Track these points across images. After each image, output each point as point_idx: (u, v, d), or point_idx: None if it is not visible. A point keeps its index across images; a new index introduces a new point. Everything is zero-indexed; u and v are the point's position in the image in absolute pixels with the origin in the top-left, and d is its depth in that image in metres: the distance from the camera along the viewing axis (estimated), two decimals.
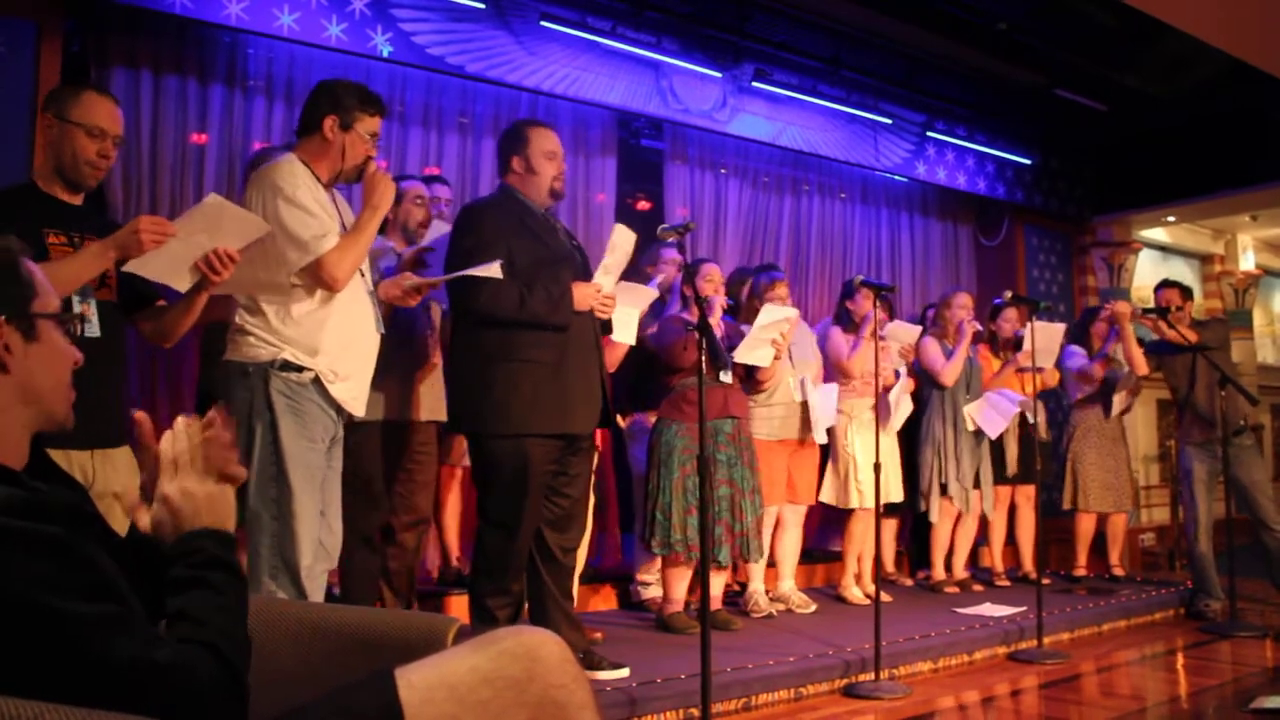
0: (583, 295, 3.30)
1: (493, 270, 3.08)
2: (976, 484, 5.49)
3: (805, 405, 4.86)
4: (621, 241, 3.42)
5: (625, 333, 3.91)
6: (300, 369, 2.69)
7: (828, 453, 5.19)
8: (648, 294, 3.99)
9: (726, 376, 4.29)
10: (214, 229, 2.47)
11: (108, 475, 2.50)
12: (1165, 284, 5.55)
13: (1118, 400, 5.87)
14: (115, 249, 2.39)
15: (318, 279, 2.69)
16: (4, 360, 1.27)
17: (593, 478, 4.28)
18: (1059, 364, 5.89)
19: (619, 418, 4.87)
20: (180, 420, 1.38)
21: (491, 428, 3.23)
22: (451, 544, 4.49)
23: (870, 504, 5.03)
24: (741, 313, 4.80)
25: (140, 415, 1.40)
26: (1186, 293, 5.46)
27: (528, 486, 3.23)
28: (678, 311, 4.52)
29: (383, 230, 3.86)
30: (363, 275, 2.90)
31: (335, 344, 2.75)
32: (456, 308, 3.36)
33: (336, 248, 2.70)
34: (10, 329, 1.28)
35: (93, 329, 2.46)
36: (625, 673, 3.41)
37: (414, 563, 3.85)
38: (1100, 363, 5.84)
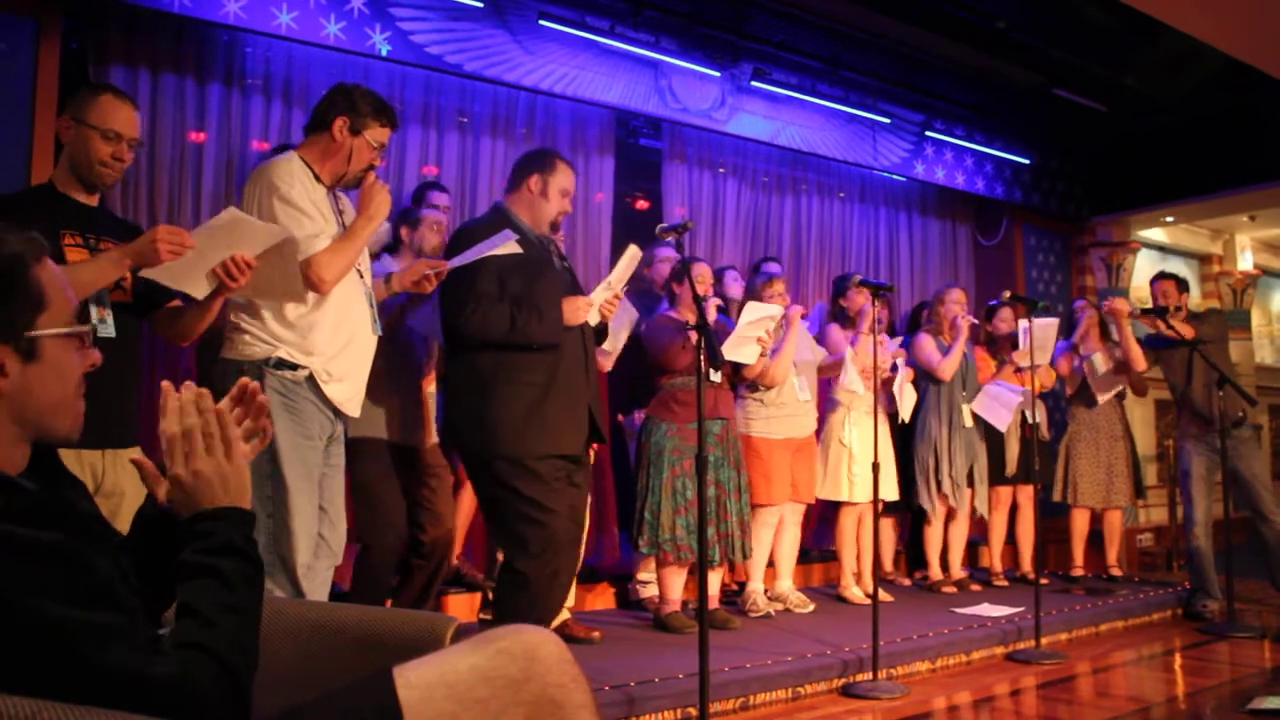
0: (573, 310, 3.30)
1: (509, 246, 3.10)
2: (970, 482, 5.49)
3: (810, 403, 4.91)
4: (631, 260, 3.45)
5: (610, 342, 3.96)
6: (295, 367, 2.70)
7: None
8: (629, 314, 4.06)
9: (716, 376, 4.30)
10: (232, 239, 2.49)
11: (118, 475, 2.51)
12: (1161, 276, 5.55)
13: (1100, 396, 5.88)
14: (132, 258, 2.41)
15: (305, 280, 2.68)
16: None
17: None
18: (1053, 362, 5.92)
19: (620, 415, 4.88)
20: (189, 391, 1.34)
21: (493, 449, 3.20)
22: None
23: (859, 498, 5.07)
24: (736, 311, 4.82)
25: (166, 385, 1.37)
26: (1183, 285, 5.47)
27: (535, 500, 3.17)
28: (667, 310, 4.52)
29: (395, 250, 3.91)
30: (360, 276, 2.90)
31: (331, 344, 2.76)
32: (448, 329, 3.34)
33: (327, 250, 2.70)
34: (7, 350, 1.23)
35: (108, 329, 2.48)
36: None
37: (439, 571, 3.84)
38: (1066, 356, 5.89)
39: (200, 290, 2.55)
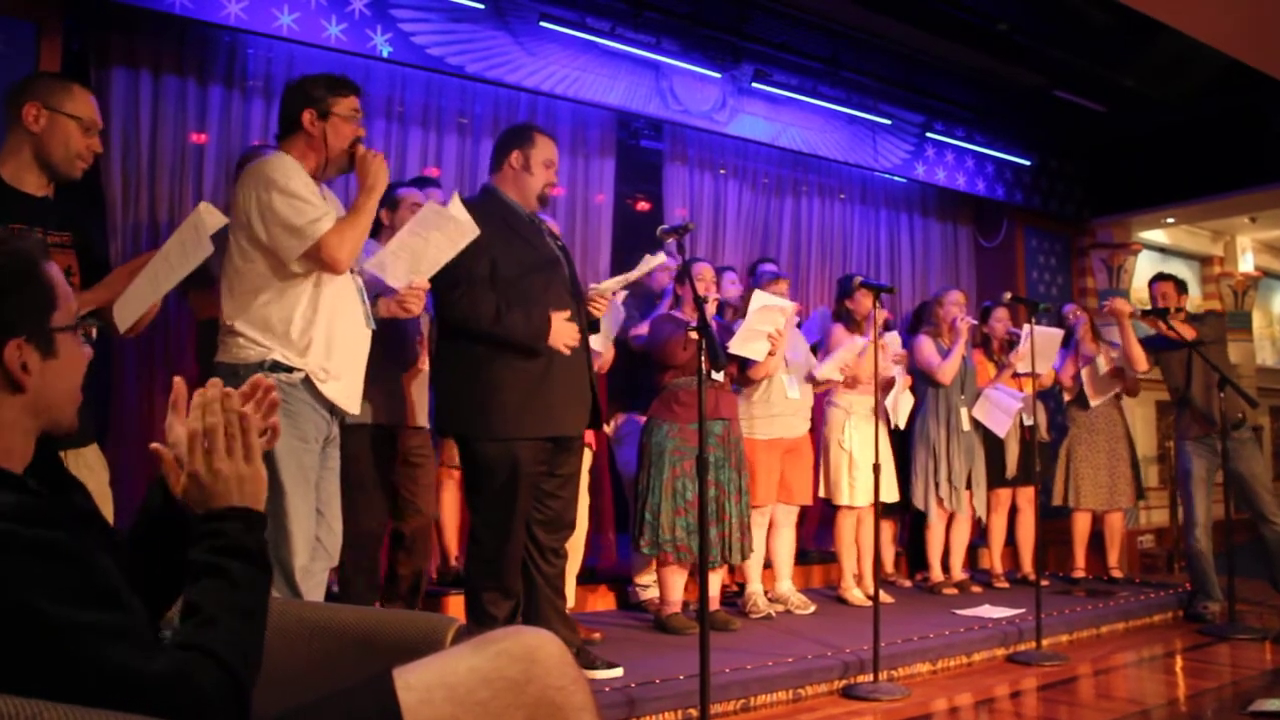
0: (559, 332, 3.26)
1: (463, 224, 3.00)
2: (969, 485, 5.49)
3: (800, 403, 4.88)
4: (650, 265, 3.46)
5: (600, 342, 3.97)
6: (290, 369, 2.69)
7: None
8: (618, 313, 4.07)
9: (718, 376, 4.29)
10: (190, 241, 2.49)
11: (80, 473, 2.48)
12: (1160, 277, 5.56)
13: (1096, 399, 5.89)
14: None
15: (319, 262, 2.68)
16: (20, 380, 1.24)
17: (586, 478, 4.29)
18: (1056, 368, 5.93)
19: (607, 421, 4.87)
20: (215, 389, 1.34)
21: (481, 431, 3.23)
22: (450, 544, 4.49)
23: (859, 501, 5.06)
24: (738, 313, 4.80)
25: (179, 381, 1.38)
26: (1181, 286, 5.47)
27: (517, 488, 3.24)
28: (669, 310, 4.51)
29: (376, 234, 3.84)
30: (351, 272, 2.89)
31: (325, 343, 2.75)
32: (438, 313, 3.35)
33: (334, 230, 2.68)
34: (30, 348, 1.25)
35: None
36: (619, 672, 3.42)
37: (423, 566, 3.83)
38: (1070, 359, 5.91)
39: (123, 325, 2.54)
